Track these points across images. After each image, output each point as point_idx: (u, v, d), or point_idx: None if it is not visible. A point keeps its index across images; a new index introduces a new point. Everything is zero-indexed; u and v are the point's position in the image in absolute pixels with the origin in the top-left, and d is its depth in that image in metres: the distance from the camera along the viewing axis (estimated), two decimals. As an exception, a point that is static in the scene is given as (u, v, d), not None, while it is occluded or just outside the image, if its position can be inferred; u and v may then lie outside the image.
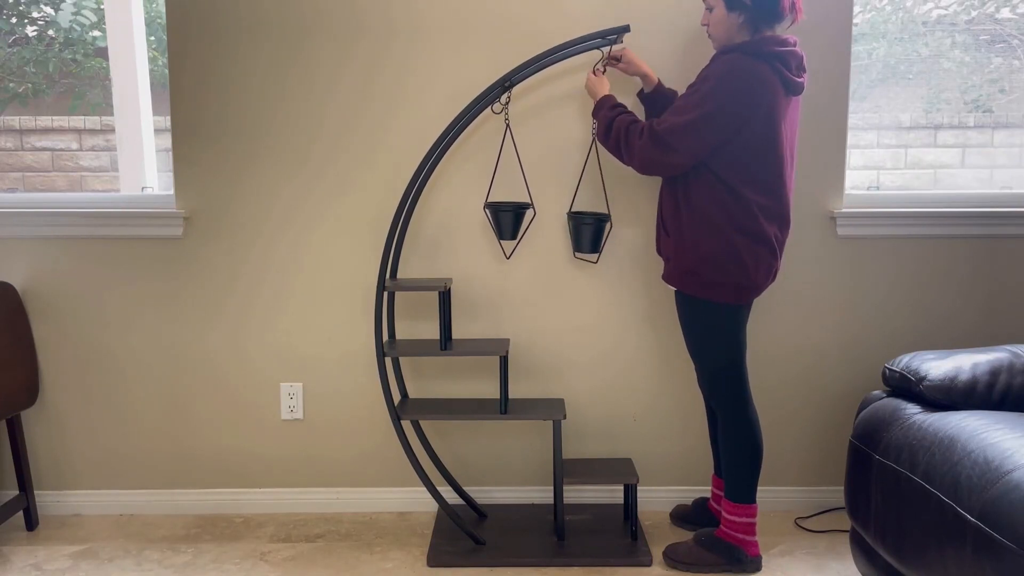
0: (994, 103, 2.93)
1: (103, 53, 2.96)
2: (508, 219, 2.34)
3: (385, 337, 2.41)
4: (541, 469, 2.61)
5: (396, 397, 2.45)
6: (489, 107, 2.31)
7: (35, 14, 3.18)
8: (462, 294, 2.53)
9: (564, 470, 2.38)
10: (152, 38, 2.95)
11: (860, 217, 2.49)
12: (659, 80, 2.32)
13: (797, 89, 2.06)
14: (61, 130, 3.14)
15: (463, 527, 2.33)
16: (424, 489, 2.37)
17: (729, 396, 2.18)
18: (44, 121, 3.13)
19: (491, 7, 2.43)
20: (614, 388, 2.58)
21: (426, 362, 2.58)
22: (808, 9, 2.21)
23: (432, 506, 2.54)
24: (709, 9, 2.09)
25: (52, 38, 3.12)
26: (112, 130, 3.00)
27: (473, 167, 2.48)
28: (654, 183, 2.42)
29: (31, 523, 2.51)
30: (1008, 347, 1.98)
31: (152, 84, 2.79)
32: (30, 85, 3.15)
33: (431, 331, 2.51)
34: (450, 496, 2.48)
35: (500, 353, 2.32)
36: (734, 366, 2.17)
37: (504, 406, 2.35)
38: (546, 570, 2.23)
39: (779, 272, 2.17)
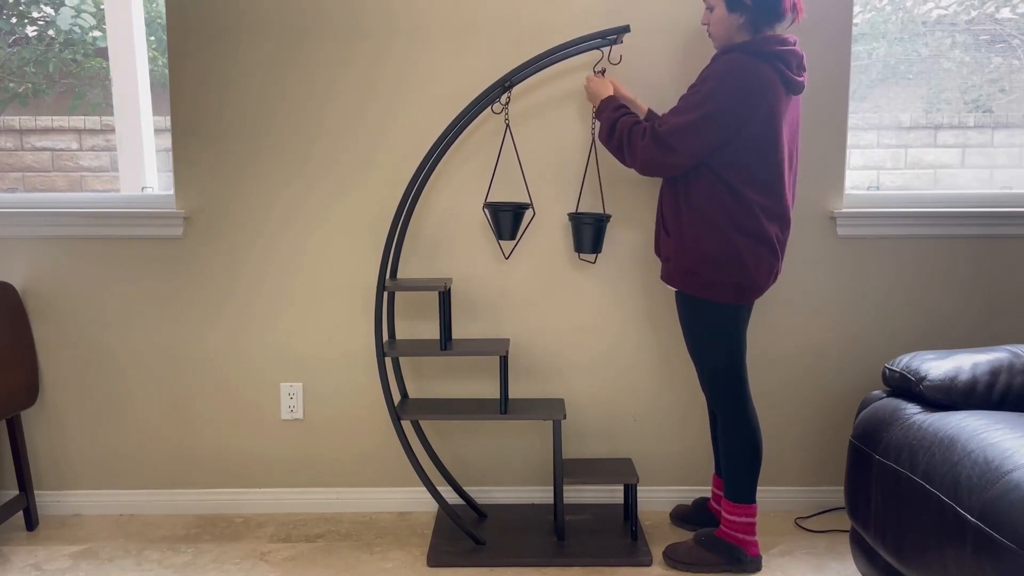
0: (994, 103, 2.93)
1: (103, 53, 2.96)
2: (507, 219, 2.34)
3: (385, 337, 2.41)
4: (541, 469, 2.61)
5: (396, 397, 2.45)
6: (489, 107, 2.31)
7: (35, 14, 3.18)
8: (462, 294, 2.53)
9: (564, 470, 2.38)
10: (152, 38, 2.95)
11: (860, 217, 2.49)
12: (649, 109, 2.33)
13: (797, 88, 2.06)
14: (61, 130, 3.14)
15: (463, 527, 2.33)
16: (424, 489, 2.37)
17: (728, 396, 2.18)
18: (44, 121, 3.13)
19: (491, 7, 2.43)
20: (614, 388, 2.58)
21: (426, 362, 2.58)
22: (808, 9, 2.21)
23: (432, 506, 2.54)
24: (710, 9, 2.09)
25: (52, 38, 3.12)
26: (112, 130, 3.00)
27: (473, 167, 2.48)
28: (653, 184, 2.42)
29: (31, 523, 2.51)
30: (1008, 347, 1.98)
31: (152, 84, 2.79)
32: (30, 85, 3.15)
33: (431, 331, 2.52)
34: (450, 496, 2.48)
35: (500, 353, 2.32)
36: (733, 366, 2.16)
37: (504, 406, 2.35)
38: (546, 570, 2.23)
39: (779, 273, 2.17)
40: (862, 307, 2.55)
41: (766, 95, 1.99)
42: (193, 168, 2.50)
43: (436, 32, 2.44)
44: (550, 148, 2.47)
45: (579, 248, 2.40)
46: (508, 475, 2.62)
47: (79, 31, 3.04)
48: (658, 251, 2.27)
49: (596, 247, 2.39)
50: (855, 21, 2.48)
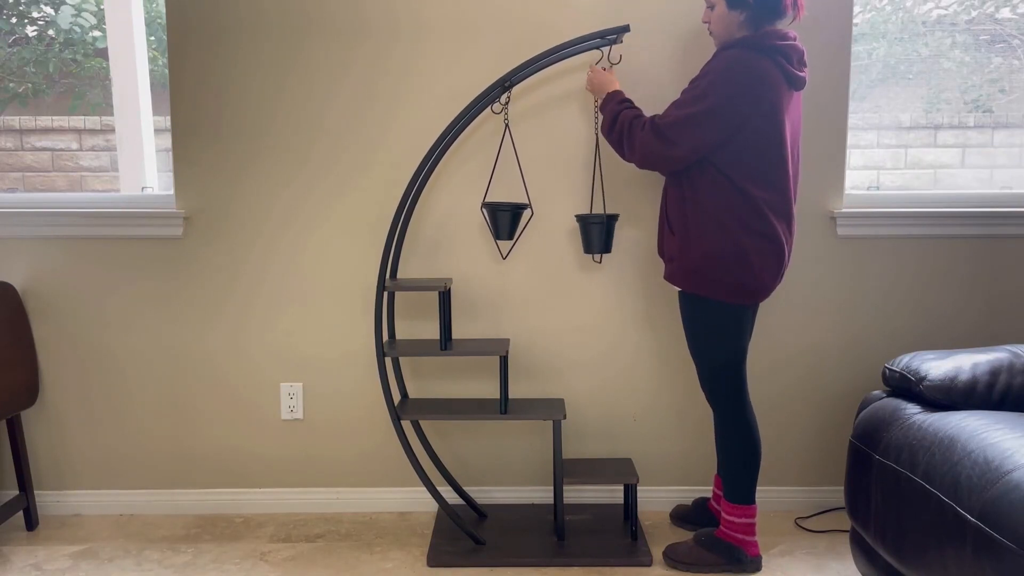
0: (994, 103, 2.93)
1: (103, 53, 2.96)
2: (505, 219, 2.34)
3: (385, 337, 2.41)
4: (541, 469, 2.61)
5: (396, 397, 2.45)
6: (489, 107, 2.31)
7: (35, 14, 3.18)
8: (462, 294, 2.54)
9: (564, 470, 2.38)
10: (152, 38, 2.95)
11: (860, 217, 2.49)
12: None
13: (799, 84, 2.06)
14: (61, 130, 3.14)
15: (463, 527, 2.33)
16: (424, 489, 2.37)
17: (727, 397, 2.17)
18: (44, 121, 3.13)
19: (491, 7, 2.43)
20: (614, 388, 2.58)
21: (426, 362, 2.58)
22: (808, 9, 2.21)
23: (432, 506, 2.54)
24: (710, 7, 2.09)
25: (52, 38, 3.12)
26: (112, 130, 3.00)
27: (473, 167, 2.48)
28: (654, 184, 2.42)
29: (31, 523, 2.51)
30: (1008, 347, 1.98)
31: (152, 84, 2.79)
32: (30, 85, 3.15)
33: (431, 331, 2.52)
34: (450, 496, 2.48)
35: (500, 353, 2.32)
36: (733, 367, 2.16)
37: (504, 406, 2.35)
38: (546, 570, 2.23)
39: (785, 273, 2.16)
40: (862, 307, 2.55)
41: (767, 90, 1.99)
42: (193, 168, 2.50)
43: (436, 32, 2.44)
44: (550, 148, 2.47)
45: (588, 249, 2.39)
46: (508, 475, 2.62)
47: (79, 30, 3.04)
48: (661, 251, 2.26)
49: (606, 247, 2.38)
50: (855, 21, 2.49)
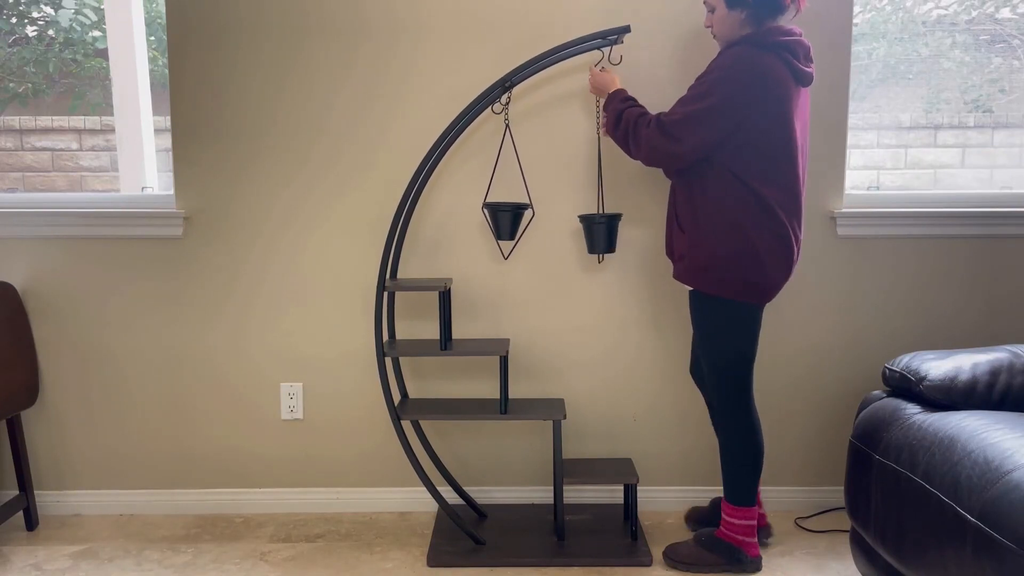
0: (994, 103, 2.93)
1: (103, 53, 2.96)
2: (506, 219, 2.34)
3: (385, 337, 2.41)
4: (541, 469, 2.61)
5: (396, 397, 2.45)
6: (489, 107, 2.31)
7: (35, 14, 3.18)
8: (462, 294, 2.53)
9: (564, 470, 2.38)
10: (152, 38, 2.95)
11: (860, 217, 2.49)
12: None
13: (806, 79, 2.05)
14: (61, 130, 3.14)
15: (463, 527, 2.33)
16: (424, 489, 2.37)
17: (732, 398, 2.16)
18: (44, 121, 3.13)
19: (492, 7, 2.42)
20: (614, 388, 2.58)
21: (426, 362, 2.58)
22: (808, 9, 2.20)
23: (432, 506, 2.54)
24: (710, 10, 2.09)
25: (52, 38, 3.12)
26: (112, 130, 3.00)
27: (473, 167, 2.48)
28: (656, 183, 2.42)
29: (31, 523, 2.51)
30: (1008, 347, 1.97)
31: (152, 84, 2.79)
32: (30, 85, 3.15)
33: (431, 331, 2.51)
34: (450, 496, 2.48)
35: (500, 353, 2.32)
36: (742, 367, 2.15)
37: (504, 406, 2.35)
38: (546, 570, 2.23)
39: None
40: (862, 307, 2.55)
41: (772, 86, 1.99)
42: (193, 168, 2.50)
43: (437, 32, 2.44)
44: (550, 148, 2.47)
45: (592, 249, 2.38)
46: (508, 475, 2.62)
47: (79, 29, 3.04)
48: (670, 250, 2.25)
49: (610, 247, 2.38)
50: (855, 21, 2.48)
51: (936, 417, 1.78)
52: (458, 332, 2.54)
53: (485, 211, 2.39)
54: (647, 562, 2.25)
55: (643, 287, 2.53)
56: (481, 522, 2.48)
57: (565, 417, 2.39)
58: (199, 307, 2.56)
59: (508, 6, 2.42)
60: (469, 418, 2.48)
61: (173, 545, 2.40)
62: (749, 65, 1.98)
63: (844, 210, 2.48)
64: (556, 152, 2.47)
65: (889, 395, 2.00)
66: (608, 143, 2.38)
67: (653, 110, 2.44)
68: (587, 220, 2.36)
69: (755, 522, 2.20)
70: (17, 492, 2.51)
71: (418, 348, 2.38)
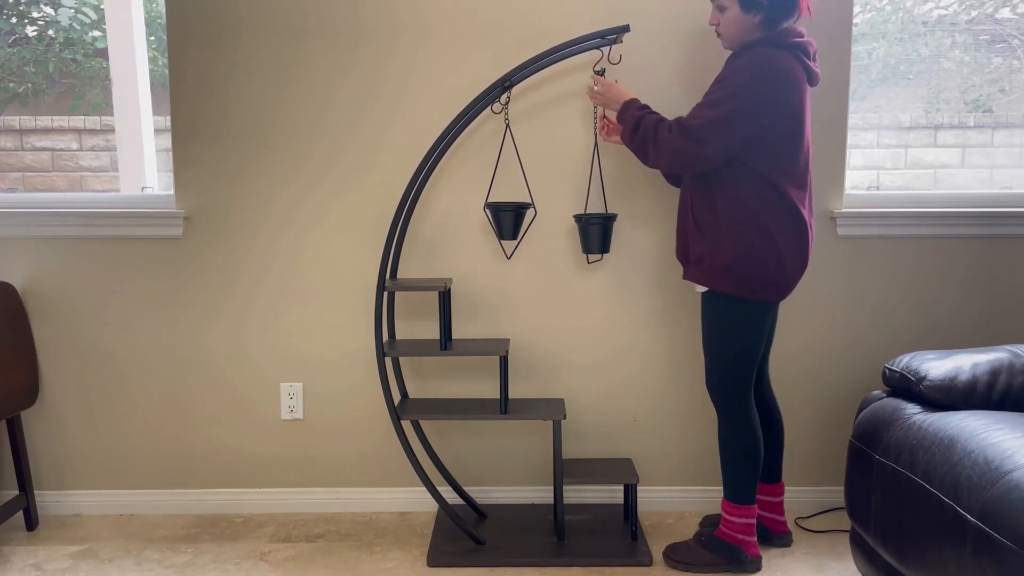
0: (994, 103, 2.93)
1: (103, 53, 2.96)
2: (508, 219, 2.34)
3: (385, 337, 2.41)
4: (541, 469, 2.61)
5: (396, 397, 2.45)
6: (489, 107, 2.31)
7: (35, 14, 3.18)
8: (462, 294, 2.53)
9: (564, 470, 2.38)
10: (152, 38, 2.95)
11: (860, 217, 2.49)
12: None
13: (816, 79, 2.08)
14: (61, 130, 3.14)
15: (463, 527, 2.33)
16: (424, 489, 2.37)
17: (734, 397, 2.16)
18: (44, 121, 3.13)
19: (492, 7, 2.42)
20: (614, 388, 2.58)
21: (426, 362, 2.58)
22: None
23: (432, 506, 2.54)
24: (719, 9, 2.06)
25: (52, 38, 3.12)
26: (112, 130, 3.00)
27: (473, 167, 2.48)
28: (657, 184, 2.42)
29: (31, 523, 2.51)
30: (1008, 347, 1.98)
31: (152, 84, 2.79)
32: (30, 85, 3.15)
33: (431, 331, 2.51)
34: (450, 496, 2.48)
35: (500, 353, 2.32)
36: (747, 366, 2.14)
37: (504, 406, 2.35)
38: (546, 570, 2.23)
39: None
40: (862, 307, 2.55)
41: (793, 86, 2.00)
42: (193, 168, 2.50)
43: (437, 32, 2.44)
44: (550, 148, 2.47)
45: (587, 249, 2.39)
46: (508, 475, 2.62)
47: (79, 29, 3.04)
48: (685, 255, 2.21)
49: (604, 247, 2.38)
50: (855, 21, 2.48)
51: (936, 417, 1.78)
52: (458, 332, 2.54)
53: (487, 211, 2.39)
54: (647, 562, 2.25)
55: (643, 287, 2.53)
56: (481, 522, 2.48)
57: (565, 417, 2.39)
58: (199, 307, 2.56)
59: (508, 6, 2.42)
60: (469, 418, 2.48)
61: (173, 545, 2.40)
62: (772, 66, 1.98)
63: (844, 210, 2.48)
64: (556, 151, 2.47)
65: (889, 395, 2.00)
66: (605, 144, 2.39)
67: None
68: (582, 220, 2.36)
69: (755, 520, 2.20)
70: (17, 492, 2.51)
71: (418, 348, 2.38)
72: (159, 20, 2.93)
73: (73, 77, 3.16)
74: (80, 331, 2.56)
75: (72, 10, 3.02)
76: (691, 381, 2.54)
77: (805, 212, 2.07)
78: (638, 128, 2.12)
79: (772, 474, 2.34)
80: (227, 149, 2.49)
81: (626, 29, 2.25)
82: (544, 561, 2.25)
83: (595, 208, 2.46)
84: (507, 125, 2.38)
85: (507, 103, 2.34)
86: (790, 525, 2.48)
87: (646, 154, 2.13)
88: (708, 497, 2.58)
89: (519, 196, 2.43)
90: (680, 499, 2.60)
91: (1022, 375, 1.88)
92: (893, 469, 1.79)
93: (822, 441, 2.59)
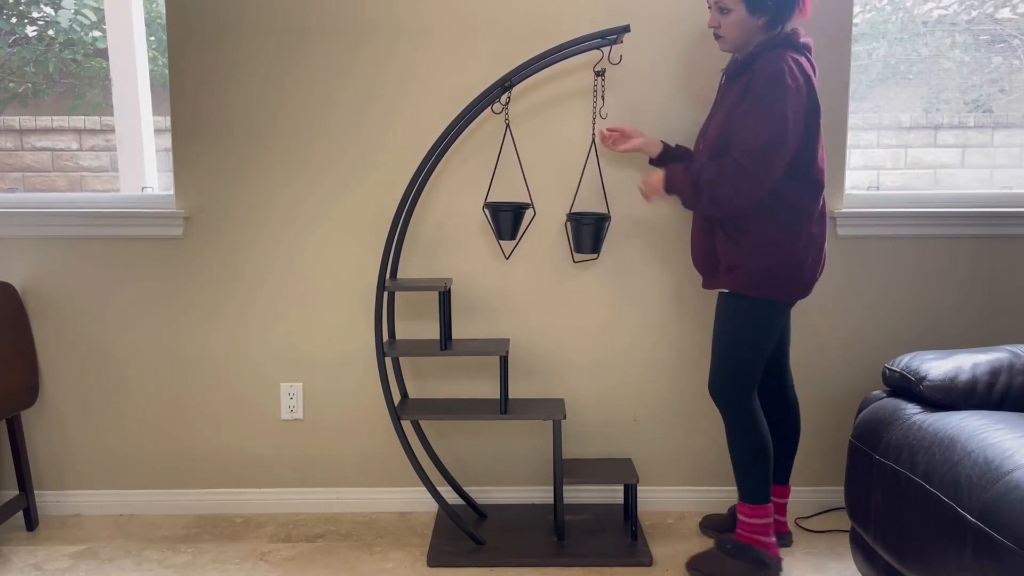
0: (994, 103, 2.93)
1: (103, 53, 2.96)
2: (507, 219, 2.34)
3: (385, 337, 2.41)
4: (541, 469, 2.61)
5: (396, 397, 2.45)
6: (489, 107, 2.31)
7: (35, 14, 3.18)
8: (462, 294, 2.53)
9: (564, 470, 2.38)
10: (152, 38, 2.95)
11: (860, 217, 2.49)
12: (663, 143, 2.30)
13: (816, 78, 2.07)
14: (61, 130, 3.14)
15: (463, 527, 2.33)
16: (424, 489, 2.37)
17: (742, 396, 2.13)
18: (44, 121, 3.14)
19: (492, 7, 2.42)
20: (614, 388, 2.58)
21: (426, 362, 2.58)
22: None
23: (432, 506, 2.54)
24: (722, 11, 2.02)
25: (52, 38, 3.12)
26: (112, 130, 3.00)
27: (473, 167, 2.48)
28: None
29: (31, 523, 2.51)
30: (1008, 347, 1.98)
31: (152, 84, 2.79)
32: (30, 85, 3.15)
33: (431, 331, 2.51)
34: (450, 496, 2.48)
35: (500, 353, 2.32)
36: (758, 367, 2.12)
37: (504, 406, 2.35)
38: (546, 570, 2.23)
39: None
40: (862, 307, 2.55)
41: (814, 88, 2.00)
42: (193, 168, 2.50)
43: (437, 32, 2.44)
44: (550, 148, 2.47)
45: (579, 248, 2.40)
46: (508, 475, 2.62)
47: (79, 29, 3.04)
48: (711, 263, 2.15)
49: (595, 248, 2.38)
50: (855, 21, 2.48)
51: (936, 417, 1.78)
52: (458, 332, 2.54)
53: (486, 211, 2.39)
54: (647, 562, 2.25)
55: (644, 287, 2.53)
56: (481, 522, 2.48)
57: (565, 417, 2.39)
58: (199, 307, 2.56)
59: (508, 6, 2.42)
60: (469, 418, 2.48)
61: (173, 545, 2.40)
62: (799, 68, 1.96)
63: (844, 210, 2.48)
64: (556, 152, 2.47)
65: (889, 395, 2.00)
66: (603, 149, 2.39)
67: (652, 109, 2.45)
68: (575, 220, 2.36)
69: (771, 520, 2.17)
70: (17, 492, 2.51)
71: (418, 348, 2.38)
72: (159, 20, 2.93)
73: (73, 77, 3.16)
74: (80, 331, 2.56)
75: (72, 10, 3.02)
76: (692, 381, 2.54)
77: (827, 208, 2.10)
78: (697, 186, 2.02)
79: (782, 476, 2.33)
80: (227, 149, 2.49)
81: (626, 29, 2.25)
82: (544, 561, 2.25)
83: (595, 207, 2.45)
84: (507, 125, 2.38)
85: (507, 103, 2.34)
86: (790, 525, 2.48)
87: (718, 207, 2.04)
88: (708, 497, 2.58)
89: (519, 196, 2.43)
90: (680, 499, 2.60)
91: (1022, 375, 1.88)
92: (893, 469, 1.79)
93: (822, 441, 2.59)
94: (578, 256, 2.46)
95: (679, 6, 2.40)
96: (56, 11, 3.05)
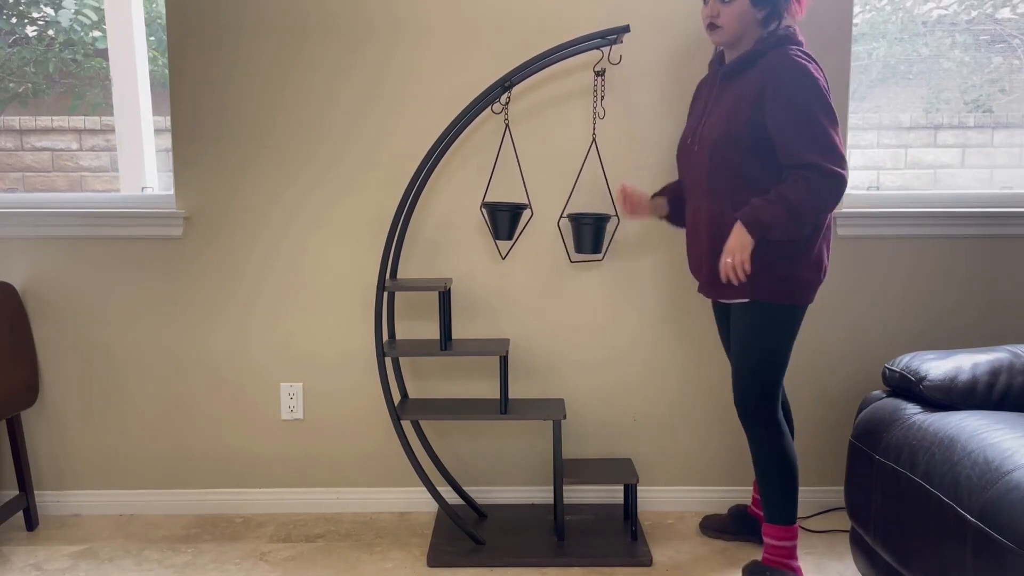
0: (994, 103, 2.93)
1: (103, 53, 2.96)
2: (504, 219, 2.34)
3: (385, 337, 2.41)
4: (541, 469, 2.61)
5: (396, 397, 2.45)
6: (489, 107, 2.31)
7: (35, 14, 3.18)
8: (462, 294, 2.53)
9: (564, 470, 2.38)
10: (152, 38, 2.95)
11: (860, 217, 2.49)
12: (664, 189, 2.29)
13: None
14: (61, 130, 3.14)
15: (463, 527, 2.33)
16: (424, 489, 2.37)
17: (772, 408, 2.05)
18: (44, 121, 3.14)
19: (492, 7, 2.42)
20: (614, 388, 2.58)
21: (426, 362, 2.58)
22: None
23: (432, 506, 2.54)
24: (723, 1, 1.97)
25: (52, 38, 3.12)
26: (112, 130, 3.00)
27: (473, 167, 2.48)
28: (658, 183, 2.41)
29: (31, 523, 2.51)
30: (1008, 347, 1.98)
31: (152, 84, 2.79)
32: (30, 85, 3.15)
33: (431, 331, 2.51)
34: (450, 496, 2.48)
35: (500, 353, 2.32)
36: (782, 375, 2.05)
37: (504, 406, 2.35)
38: (546, 570, 2.23)
39: None
40: (862, 307, 2.55)
41: None
42: (193, 168, 2.50)
43: (437, 32, 2.44)
44: (550, 148, 2.47)
45: (579, 248, 2.39)
46: (508, 475, 2.62)
47: (79, 29, 3.04)
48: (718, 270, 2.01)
49: (596, 248, 2.38)
50: (855, 21, 2.48)
51: (936, 417, 1.78)
52: (458, 332, 2.54)
53: (483, 211, 2.39)
54: (647, 562, 2.25)
55: (644, 287, 2.53)
56: (481, 522, 2.48)
57: (565, 417, 2.39)
58: (199, 307, 2.56)
59: (508, 6, 2.42)
60: (469, 418, 2.48)
61: (173, 545, 2.40)
62: (813, 64, 1.92)
63: (844, 210, 2.48)
64: (556, 152, 2.47)
65: (889, 395, 2.00)
66: (605, 144, 2.39)
67: (651, 108, 2.45)
68: (575, 220, 2.36)
69: (797, 541, 2.10)
70: (17, 492, 2.51)
71: (418, 348, 2.38)
72: (159, 20, 2.93)
73: (73, 77, 3.16)
74: (80, 331, 2.57)
75: (72, 10, 3.02)
76: (692, 381, 2.54)
77: None
78: (790, 212, 1.87)
79: None
80: (227, 149, 2.49)
81: (626, 29, 2.25)
82: (544, 561, 2.25)
83: (596, 207, 2.45)
84: (507, 125, 2.38)
85: (507, 103, 2.34)
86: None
87: (823, 215, 1.94)
88: (708, 497, 2.58)
89: (519, 196, 2.43)
90: (680, 499, 2.60)
91: (1022, 375, 1.88)
92: (893, 469, 1.79)
93: (822, 441, 2.59)
94: (578, 256, 2.46)
95: (679, 6, 2.40)
96: (56, 11, 3.05)
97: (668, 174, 2.39)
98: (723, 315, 2.24)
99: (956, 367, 1.89)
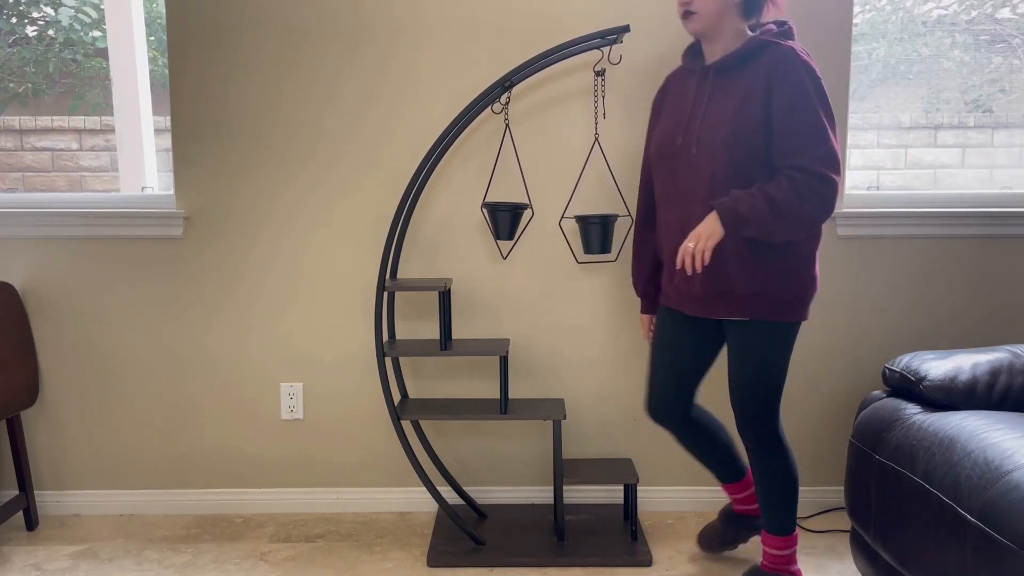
0: (994, 103, 2.93)
1: (103, 53, 2.96)
2: (505, 219, 2.34)
3: (385, 337, 2.41)
4: (541, 469, 2.61)
5: (396, 397, 2.45)
6: (489, 107, 2.31)
7: (35, 14, 3.18)
8: (462, 294, 2.54)
9: (564, 470, 2.38)
10: (152, 38, 2.95)
11: (860, 217, 2.49)
12: (644, 299, 2.26)
13: None
14: (61, 130, 3.14)
15: (463, 527, 2.33)
16: (424, 489, 2.37)
17: (777, 426, 2.02)
18: (44, 121, 3.14)
19: (492, 7, 2.42)
20: (614, 388, 2.58)
21: (426, 362, 2.58)
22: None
23: (432, 506, 2.54)
24: None
25: (52, 38, 3.13)
26: (112, 130, 3.00)
27: (473, 167, 2.48)
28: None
29: (31, 523, 2.51)
30: (1008, 347, 1.98)
31: (152, 84, 2.79)
32: (30, 85, 3.15)
33: (431, 331, 2.51)
34: (450, 496, 2.48)
35: (500, 353, 2.32)
36: (781, 390, 2.02)
37: (504, 406, 2.35)
38: (546, 570, 2.23)
39: None
40: (862, 307, 2.55)
41: None
42: (193, 168, 2.50)
43: (437, 32, 2.44)
44: (550, 148, 2.47)
45: (588, 249, 2.36)
46: (508, 475, 2.62)
47: (79, 29, 3.04)
48: (721, 290, 1.92)
49: (605, 247, 2.36)
50: (855, 21, 2.48)
51: (936, 417, 1.78)
52: (458, 332, 2.54)
53: (484, 211, 2.39)
54: (647, 562, 2.25)
55: (643, 287, 2.53)
56: (481, 522, 2.48)
57: (565, 417, 2.39)
58: (199, 307, 2.56)
59: (508, 6, 2.42)
60: (469, 418, 2.48)
61: (173, 545, 2.40)
62: (811, 59, 1.85)
63: (844, 210, 2.48)
64: (556, 152, 2.47)
65: (889, 395, 2.00)
66: (607, 143, 2.39)
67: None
68: (581, 221, 2.35)
69: (796, 546, 2.09)
70: (17, 492, 2.51)
71: (418, 348, 2.38)
72: (159, 20, 2.93)
73: (73, 77, 3.16)
74: (80, 331, 2.57)
75: (72, 10, 3.02)
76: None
77: None
78: (773, 208, 1.78)
79: (740, 471, 2.23)
80: (227, 149, 2.49)
81: (626, 29, 2.25)
82: (544, 561, 2.25)
83: (595, 207, 2.46)
84: (507, 125, 2.38)
85: (507, 103, 2.34)
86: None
87: (808, 222, 1.82)
88: (708, 497, 2.59)
89: (519, 196, 2.44)
90: (680, 499, 2.60)
91: (1022, 375, 1.88)
92: (893, 469, 1.79)
93: (822, 441, 2.59)
94: (585, 257, 2.45)
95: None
96: (56, 11, 3.05)
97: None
98: (683, 326, 2.08)
99: (956, 367, 1.89)
